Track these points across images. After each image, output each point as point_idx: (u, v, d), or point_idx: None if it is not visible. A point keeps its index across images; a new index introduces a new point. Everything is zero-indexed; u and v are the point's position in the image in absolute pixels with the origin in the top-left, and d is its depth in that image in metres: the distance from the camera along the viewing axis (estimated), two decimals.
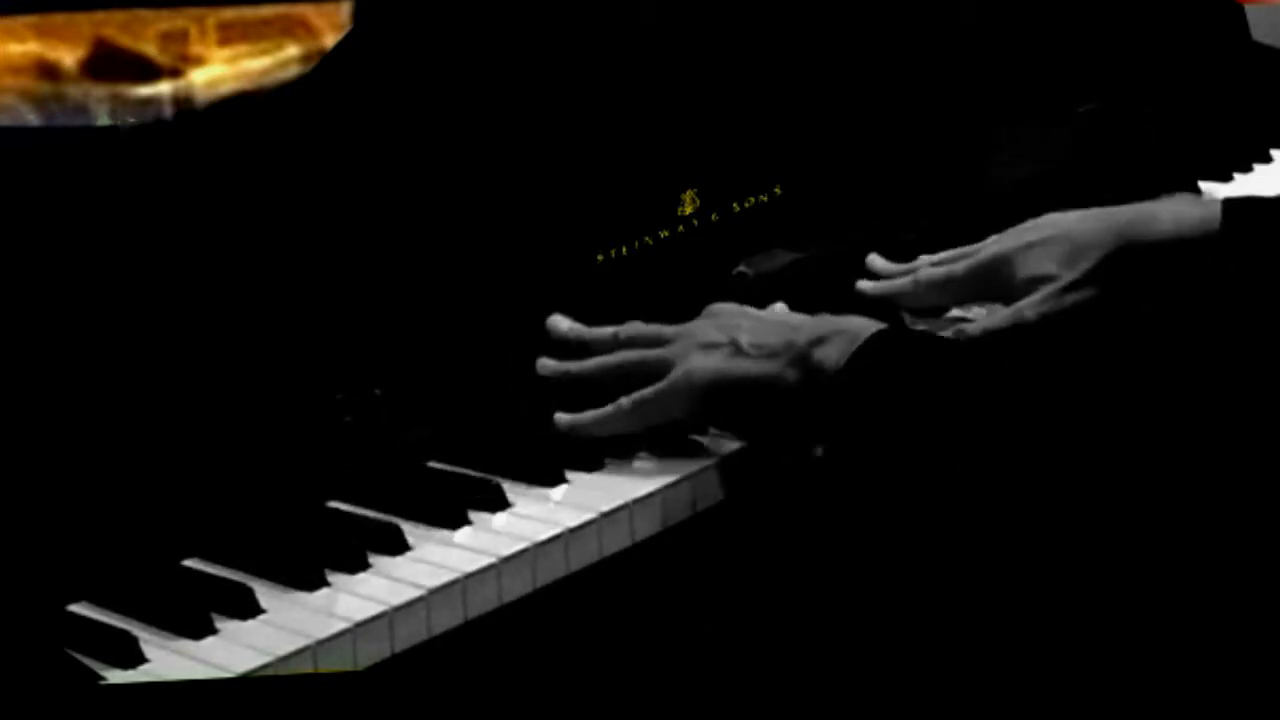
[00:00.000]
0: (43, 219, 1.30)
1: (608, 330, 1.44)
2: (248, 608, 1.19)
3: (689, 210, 1.63)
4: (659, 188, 1.61)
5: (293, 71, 1.56)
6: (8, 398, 1.25)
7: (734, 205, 1.66)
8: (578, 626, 1.31)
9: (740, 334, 1.36)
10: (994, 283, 1.57)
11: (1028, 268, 1.55)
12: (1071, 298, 1.52)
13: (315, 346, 1.38)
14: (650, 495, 1.33)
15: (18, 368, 1.26)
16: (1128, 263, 1.51)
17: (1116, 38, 2.05)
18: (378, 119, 1.43)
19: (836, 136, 1.76)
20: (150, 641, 1.16)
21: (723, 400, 1.36)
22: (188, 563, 1.26)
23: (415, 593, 1.21)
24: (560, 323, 1.46)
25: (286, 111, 1.41)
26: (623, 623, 1.33)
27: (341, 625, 1.17)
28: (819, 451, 1.35)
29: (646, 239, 1.59)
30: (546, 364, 1.44)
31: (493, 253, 1.49)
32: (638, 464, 1.37)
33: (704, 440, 1.40)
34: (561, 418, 1.38)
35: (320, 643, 1.16)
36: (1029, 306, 1.53)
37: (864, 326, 1.33)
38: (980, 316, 1.60)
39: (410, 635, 1.20)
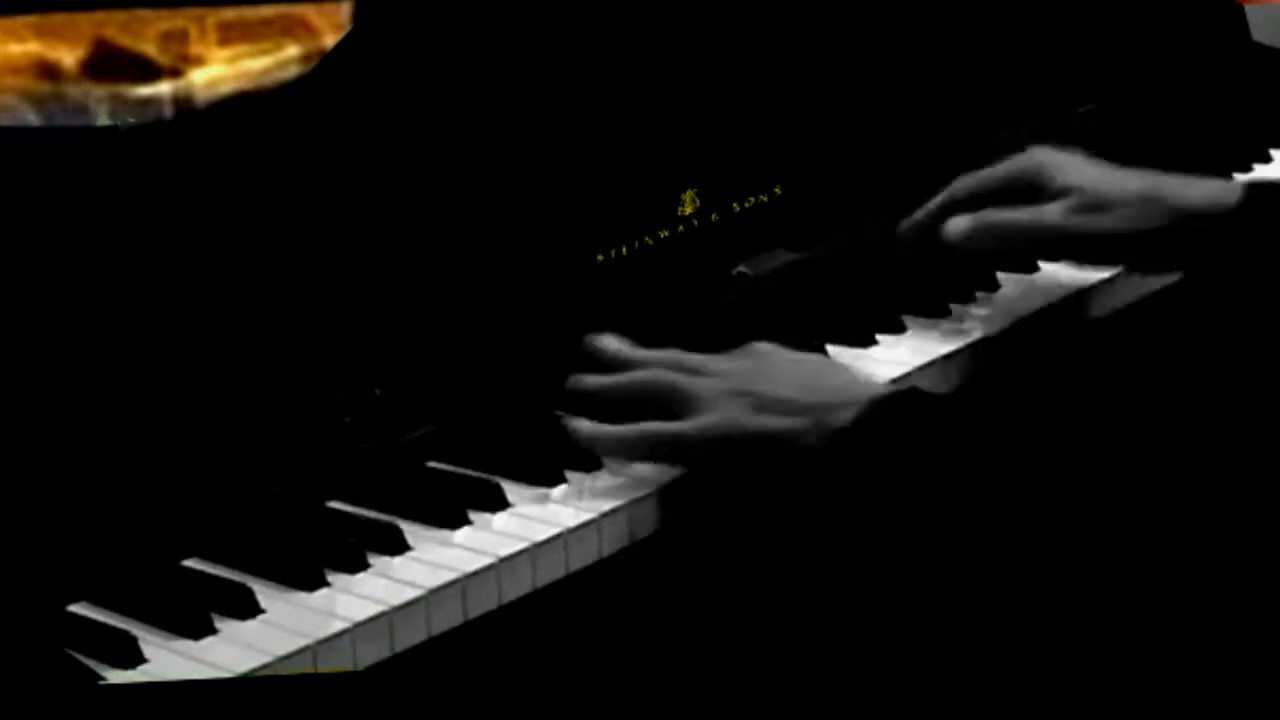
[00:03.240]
0: (43, 219, 1.30)
1: (643, 354, 1.42)
2: (247, 608, 1.19)
3: (689, 210, 1.63)
4: (659, 188, 1.61)
5: (293, 71, 1.55)
6: (8, 398, 1.25)
7: (734, 205, 1.66)
8: (578, 627, 1.31)
9: (766, 387, 1.34)
10: (1032, 185, 1.58)
11: (1068, 176, 1.56)
12: (1103, 220, 1.54)
13: (315, 346, 1.38)
14: (648, 495, 1.33)
15: (18, 368, 1.26)
16: (1159, 211, 1.53)
17: (1116, 38, 2.05)
18: (378, 119, 1.43)
19: (836, 136, 1.76)
20: (150, 641, 1.16)
21: (736, 453, 1.33)
22: (188, 563, 1.26)
23: (415, 593, 1.21)
24: (610, 343, 1.44)
25: (286, 111, 1.41)
26: (622, 623, 1.33)
27: (341, 625, 1.17)
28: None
29: (646, 239, 1.59)
30: (578, 380, 1.41)
31: (493, 252, 1.49)
32: (637, 464, 1.37)
33: None
34: (582, 425, 1.36)
35: (320, 643, 1.16)
36: (1061, 211, 1.55)
37: (880, 391, 1.32)
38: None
39: (410, 635, 1.20)
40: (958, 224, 1.58)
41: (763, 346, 1.41)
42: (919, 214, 1.62)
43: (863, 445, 1.28)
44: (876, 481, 1.28)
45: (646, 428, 1.35)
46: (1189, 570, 1.19)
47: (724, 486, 1.35)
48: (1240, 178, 1.91)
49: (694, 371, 1.38)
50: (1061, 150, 1.60)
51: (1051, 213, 1.56)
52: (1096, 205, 1.54)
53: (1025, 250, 1.65)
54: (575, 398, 1.41)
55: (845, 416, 1.30)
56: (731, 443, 1.32)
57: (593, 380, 1.40)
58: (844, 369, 1.41)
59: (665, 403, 1.36)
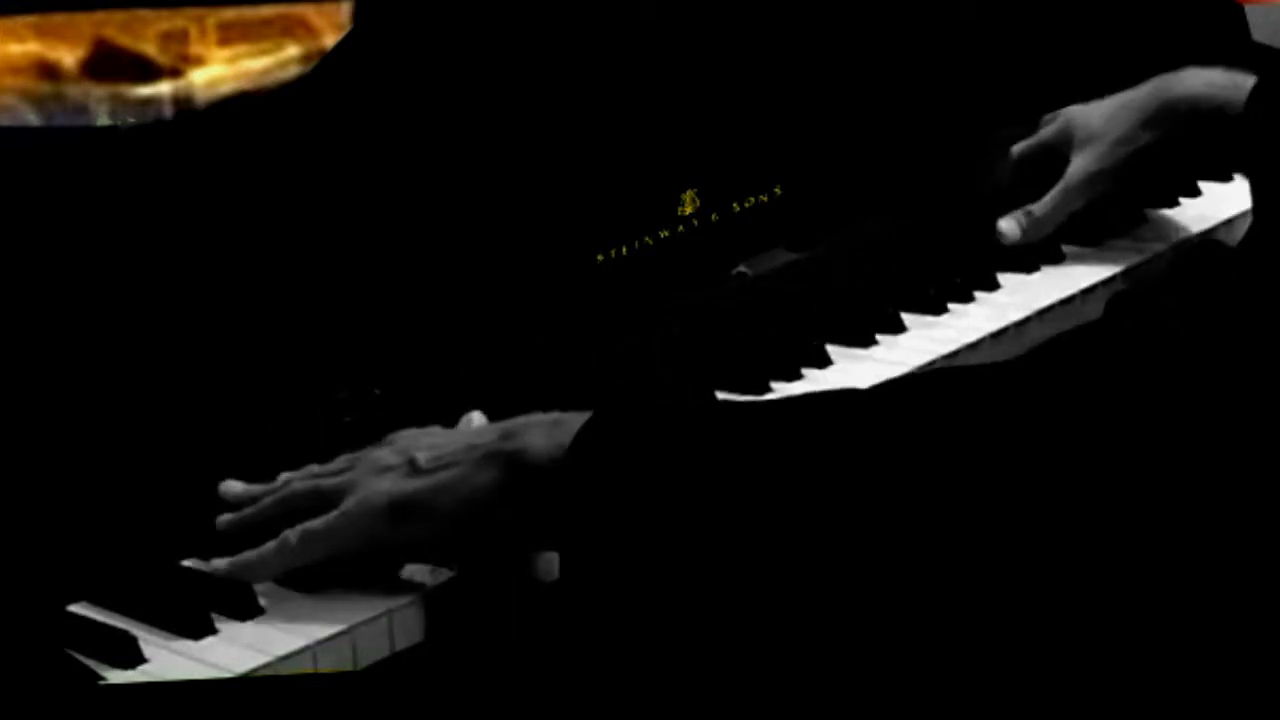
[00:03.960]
0: (43, 219, 1.30)
1: (280, 480, 1.28)
2: (248, 608, 1.19)
3: (689, 210, 1.63)
4: (659, 188, 1.61)
5: (293, 71, 1.56)
6: (8, 398, 1.25)
7: (734, 205, 1.66)
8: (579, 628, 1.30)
9: (418, 452, 1.21)
10: (1061, 152, 1.75)
11: (1085, 128, 1.73)
12: (1124, 151, 1.70)
13: (315, 346, 1.38)
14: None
15: (18, 368, 1.26)
16: (1169, 118, 1.68)
17: (1116, 38, 2.04)
18: (378, 119, 1.43)
19: (836, 136, 1.76)
20: (150, 641, 1.16)
21: (409, 521, 1.19)
22: (188, 563, 1.26)
23: (416, 593, 1.21)
24: (233, 487, 1.29)
25: (286, 111, 1.41)
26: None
27: (341, 625, 1.17)
28: (550, 573, 1.18)
29: (646, 239, 1.59)
30: (224, 519, 1.27)
31: (493, 252, 1.49)
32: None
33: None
34: (219, 564, 1.23)
35: (320, 643, 1.16)
36: (1075, 172, 1.71)
37: (553, 416, 1.19)
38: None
39: (410, 635, 1.20)
40: (1010, 226, 1.72)
41: (402, 432, 1.28)
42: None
43: (572, 457, 1.15)
44: (598, 497, 1.14)
45: (295, 530, 1.21)
46: (1189, 571, 1.18)
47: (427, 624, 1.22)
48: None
49: (330, 473, 1.26)
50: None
51: (1073, 176, 1.72)
52: (1117, 141, 1.68)
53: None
54: (570, 396, 1.37)
55: (520, 443, 1.18)
56: (396, 511, 1.20)
57: (230, 518, 1.27)
58: (478, 427, 1.28)
59: (314, 511, 1.23)
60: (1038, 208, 1.75)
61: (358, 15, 1.55)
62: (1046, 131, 1.79)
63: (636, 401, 1.30)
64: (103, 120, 1.53)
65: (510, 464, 1.18)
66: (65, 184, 1.31)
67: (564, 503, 1.15)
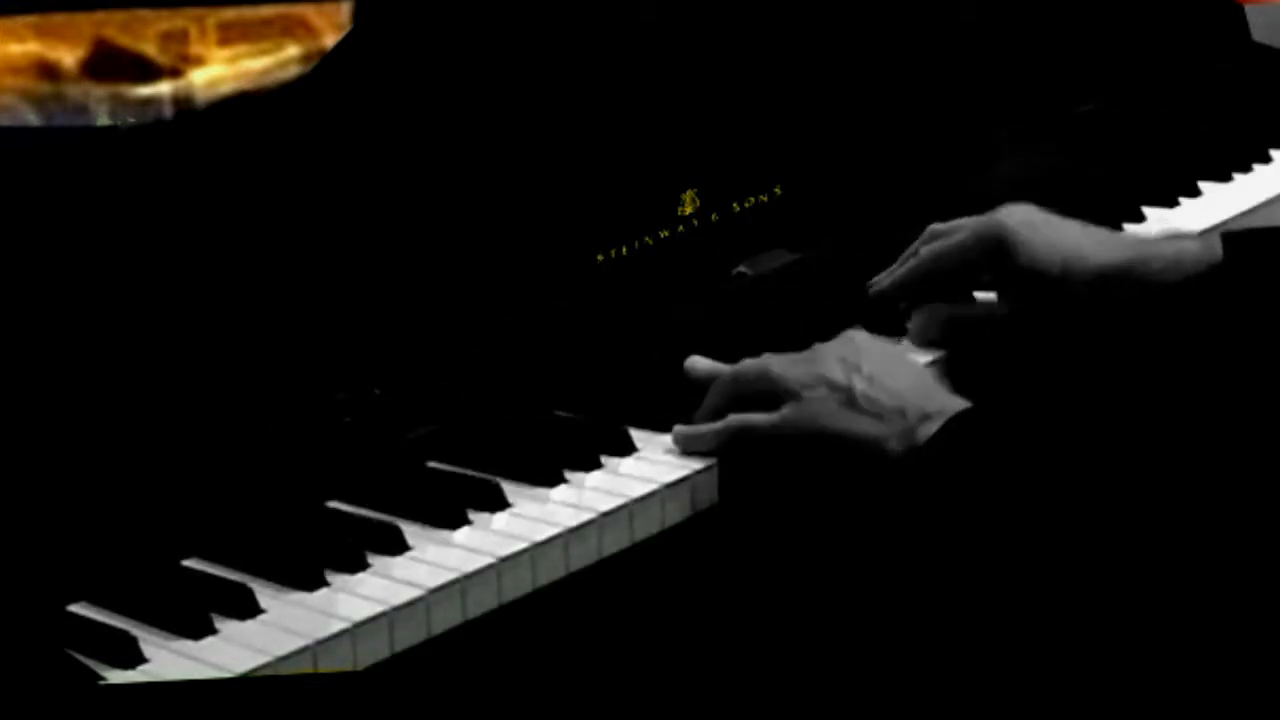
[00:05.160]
0: (43, 219, 1.30)
1: (743, 365, 1.41)
2: (247, 608, 1.19)
3: (689, 210, 1.63)
4: (659, 188, 1.61)
5: (293, 71, 1.55)
6: (8, 398, 1.25)
7: (734, 205, 1.66)
8: (577, 628, 1.31)
9: (860, 382, 1.34)
10: (995, 255, 1.53)
11: (1030, 255, 1.51)
12: (1065, 298, 1.50)
13: (315, 346, 1.38)
14: (651, 495, 1.33)
15: (18, 368, 1.26)
16: (1125, 287, 1.49)
17: (1115, 38, 2.05)
18: (378, 119, 1.43)
19: (836, 137, 1.76)
20: (150, 641, 1.16)
21: (811, 447, 1.34)
22: (188, 563, 1.26)
23: (415, 593, 1.21)
24: (698, 363, 1.45)
25: (286, 111, 1.41)
26: (621, 625, 1.33)
27: (341, 625, 1.17)
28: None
29: (646, 239, 1.59)
30: (699, 363, 1.44)
31: (493, 252, 1.49)
32: (634, 463, 1.37)
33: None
34: (679, 430, 1.37)
35: (320, 643, 1.16)
36: (1018, 299, 1.53)
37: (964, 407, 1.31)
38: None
39: (410, 635, 1.20)
40: (922, 328, 1.55)
41: (859, 336, 1.41)
42: (886, 282, 1.59)
43: (940, 460, 1.28)
44: (945, 497, 1.28)
45: (739, 419, 1.36)
46: (1224, 577, 1.19)
47: (764, 480, 1.35)
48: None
49: (790, 362, 1.38)
50: (1026, 212, 1.55)
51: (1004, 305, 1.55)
52: (1061, 284, 1.50)
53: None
54: (569, 396, 1.41)
55: (930, 429, 1.29)
56: (819, 438, 1.33)
57: (707, 365, 1.43)
58: (929, 378, 1.39)
59: (760, 391, 1.37)
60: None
61: (358, 15, 1.55)
62: (973, 239, 1.56)
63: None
64: (103, 120, 1.53)
65: (914, 451, 1.29)
66: (65, 184, 1.31)
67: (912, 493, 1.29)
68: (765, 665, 1.37)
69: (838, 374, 1.35)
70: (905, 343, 1.53)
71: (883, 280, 1.59)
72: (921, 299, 1.57)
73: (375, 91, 1.44)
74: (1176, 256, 1.48)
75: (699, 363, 1.45)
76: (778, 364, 1.38)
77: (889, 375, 1.35)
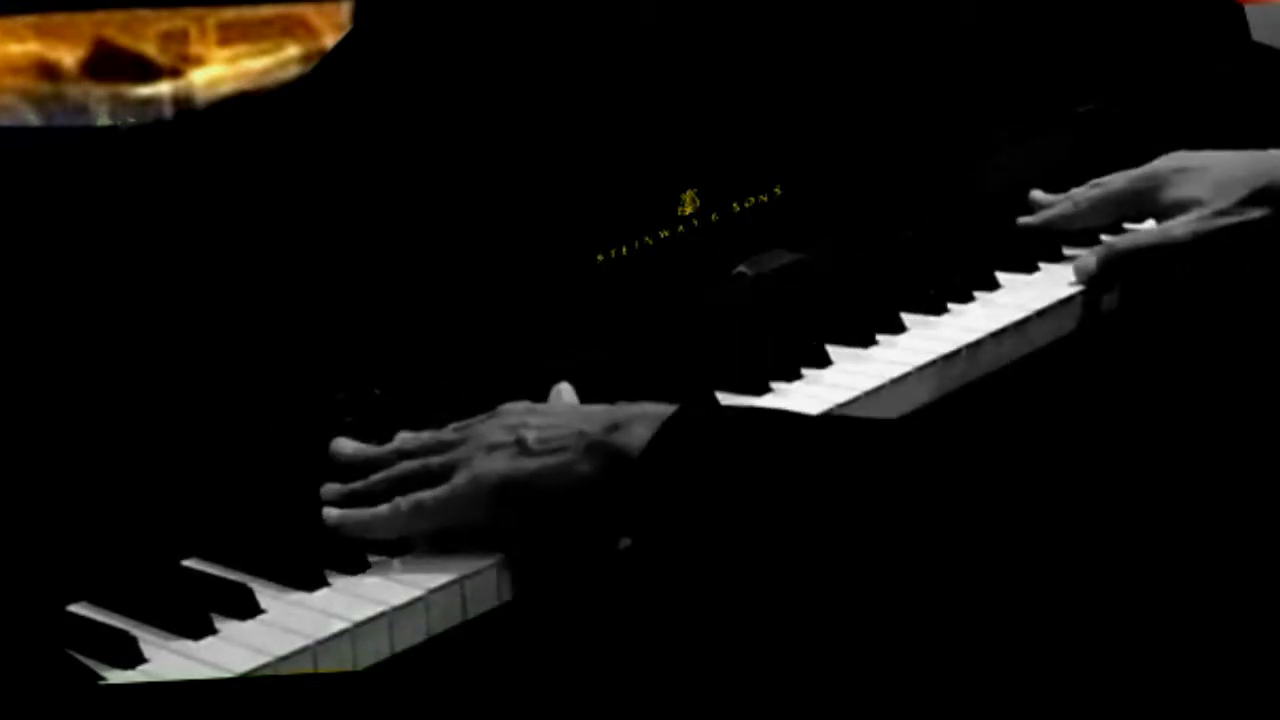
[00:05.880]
0: (43, 219, 1.30)
1: (391, 445, 1.33)
2: (247, 608, 1.19)
3: (689, 210, 1.63)
4: (659, 188, 1.61)
5: (293, 71, 1.56)
6: (8, 398, 1.25)
7: (734, 205, 1.66)
8: (576, 626, 1.30)
9: (527, 431, 1.27)
10: (1144, 201, 1.73)
11: (1178, 190, 1.69)
12: (1220, 222, 1.64)
13: (315, 346, 1.38)
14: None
15: (18, 368, 1.26)
16: (1272, 201, 1.64)
17: (1116, 38, 2.05)
18: (378, 119, 1.43)
19: (836, 137, 1.76)
20: (150, 641, 1.16)
21: (514, 502, 1.26)
22: (188, 563, 1.26)
23: (414, 593, 1.21)
24: (344, 446, 1.34)
25: (286, 111, 1.41)
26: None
27: (341, 625, 1.17)
28: (624, 543, 1.26)
29: (646, 239, 1.59)
30: (330, 489, 1.31)
31: (493, 252, 1.49)
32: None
33: None
34: (330, 513, 1.28)
35: (319, 643, 1.16)
36: (1179, 225, 1.66)
37: (664, 410, 1.24)
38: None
39: (409, 635, 1.20)
40: (1086, 263, 1.69)
41: (509, 405, 1.33)
42: (1037, 219, 1.77)
43: (649, 460, 1.22)
44: (667, 498, 1.21)
45: (406, 499, 1.27)
46: (1186, 573, 1.18)
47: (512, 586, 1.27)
48: None
49: (439, 446, 1.31)
50: (1192, 152, 1.73)
51: (1176, 229, 1.68)
52: (1215, 213, 1.65)
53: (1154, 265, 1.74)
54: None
55: (624, 438, 1.23)
56: (505, 491, 1.26)
57: (337, 489, 1.32)
58: (599, 406, 1.32)
59: (424, 485, 1.28)
60: (1083, 200, 1.78)
61: (358, 15, 1.55)
62: (1144, 172, 1.76)
63: (708, 409, 1.37)
64: (103, 120, 1.53)
65: (614, 457, 1.23)
66: (65, 184, 1.31)
67: (641, 501, 1.22)
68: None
69: (502, 435, 1.28)
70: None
71: (1034, 219, 1.77)
72: (1067, 237, 1.76)
73: (375, 92, 1.44)
74: None
75: (345, 445, 1.35)
76: (434, 442, 1.31)
77: (554, 415, 1.30)
